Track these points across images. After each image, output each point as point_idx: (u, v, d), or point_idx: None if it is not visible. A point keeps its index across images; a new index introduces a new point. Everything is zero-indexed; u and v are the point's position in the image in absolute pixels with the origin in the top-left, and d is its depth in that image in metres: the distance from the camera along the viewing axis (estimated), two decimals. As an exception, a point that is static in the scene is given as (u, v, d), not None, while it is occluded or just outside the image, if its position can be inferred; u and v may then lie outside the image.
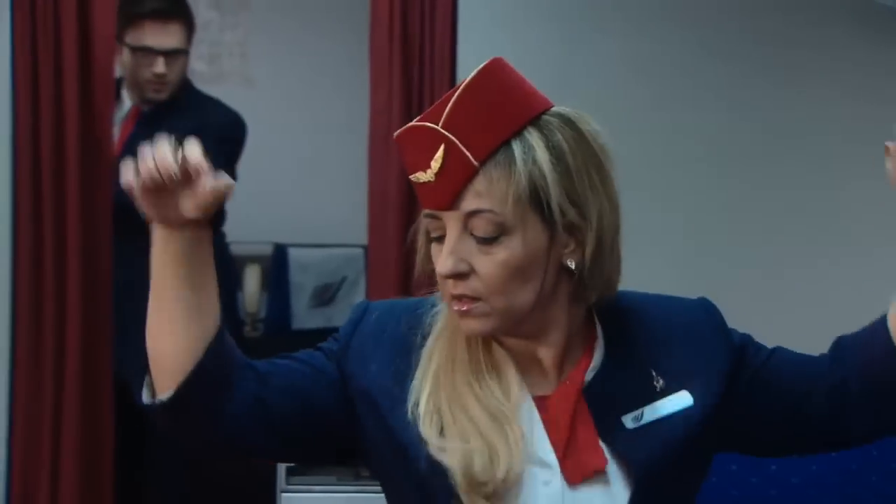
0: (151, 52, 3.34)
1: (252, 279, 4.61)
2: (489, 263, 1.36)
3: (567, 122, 1.38)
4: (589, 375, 1.43)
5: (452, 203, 1.36)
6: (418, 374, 1.41)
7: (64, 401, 3.33)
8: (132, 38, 3.34)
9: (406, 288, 3.42)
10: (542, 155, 1.35)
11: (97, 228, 3.33)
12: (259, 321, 4.64)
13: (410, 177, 1.40)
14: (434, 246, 1.40)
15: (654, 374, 1.43)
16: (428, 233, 1.42)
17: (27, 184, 3.30)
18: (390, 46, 3.43)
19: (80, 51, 3.28)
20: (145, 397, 1.39)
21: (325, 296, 4.65)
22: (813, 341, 1.57)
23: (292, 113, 4.88)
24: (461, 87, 1.37)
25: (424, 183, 1.37)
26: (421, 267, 1.44)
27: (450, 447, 1.35)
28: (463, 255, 1.36)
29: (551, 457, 1.39)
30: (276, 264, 4.61)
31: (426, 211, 1.40)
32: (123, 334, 3.25)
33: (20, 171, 3.31)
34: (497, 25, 3.48)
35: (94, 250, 3.33)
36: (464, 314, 1.38)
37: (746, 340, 1.51)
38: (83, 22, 3.28)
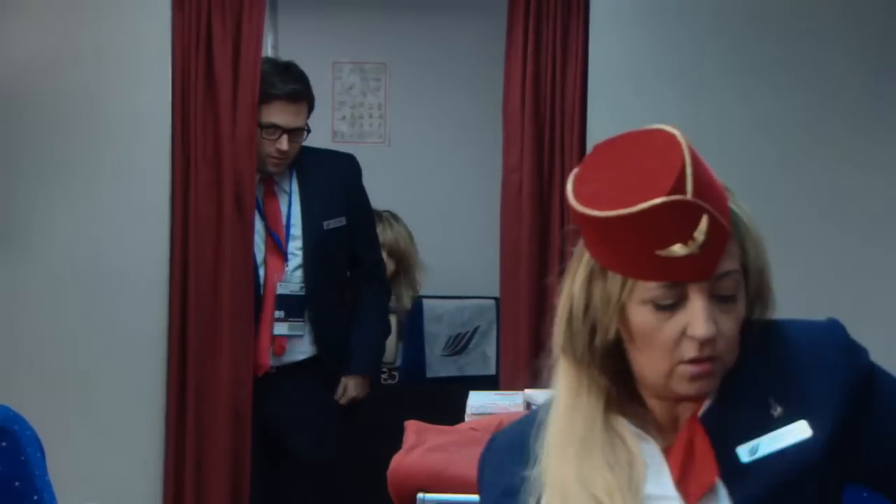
0: (278, 129, 3.48)
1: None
2: (730, 322, 1.39)
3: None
4: (704, 406, 1.44)
5: (714, 270, 1.37)
6: (536, 468, 1.43)
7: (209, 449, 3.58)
8: (262, 115, 3.50)
9: (536, 337, 3.55)
10: (749, 215, 1.42)
11: (243, 281, 3.55)
12: (395, 369, 4.77)
13: (659, 252, 1.35)
14: (658, 314, 1.39)
15: (771, 401, 1.44)
16: (651, 302, 1.39)
17: (180, 236, 3.58)
18: (522, 108, 3.57)
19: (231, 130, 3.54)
20: None
21: (458, 345, 4.77)
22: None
23: (427, 170, 5.03)
24: (688, 158, 1.36)
25: (683, 256, 1.34)
26: (610, 335, 1.42)
27: None
28: (713, 317, 1.38)
29: (671, 490, 1.43)
30: (412, 315, 4.73)
31: (664, 283, 1.37)
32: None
33: (176, 223, 3.59)
34: (625, 87, 3.58)
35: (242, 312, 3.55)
36: (703, 375, 1.40)
37: (874, 367, 1.51)
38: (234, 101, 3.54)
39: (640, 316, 1.39)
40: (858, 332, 3.84)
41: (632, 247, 1.35)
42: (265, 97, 3.49)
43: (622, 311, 1.40)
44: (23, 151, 3.58)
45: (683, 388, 1.40)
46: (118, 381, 3.58)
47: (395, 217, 4.10)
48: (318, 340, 3.55)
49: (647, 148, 1.39)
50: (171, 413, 3.58)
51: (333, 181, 3.59)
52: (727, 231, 1.37)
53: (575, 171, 1.43)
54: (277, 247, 3.54)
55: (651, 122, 1.45)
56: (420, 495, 2.36)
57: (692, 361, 1.38)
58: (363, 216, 3.65)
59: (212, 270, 3.56)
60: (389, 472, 2.40)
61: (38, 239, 3.58)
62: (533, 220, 3.56)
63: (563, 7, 3.57)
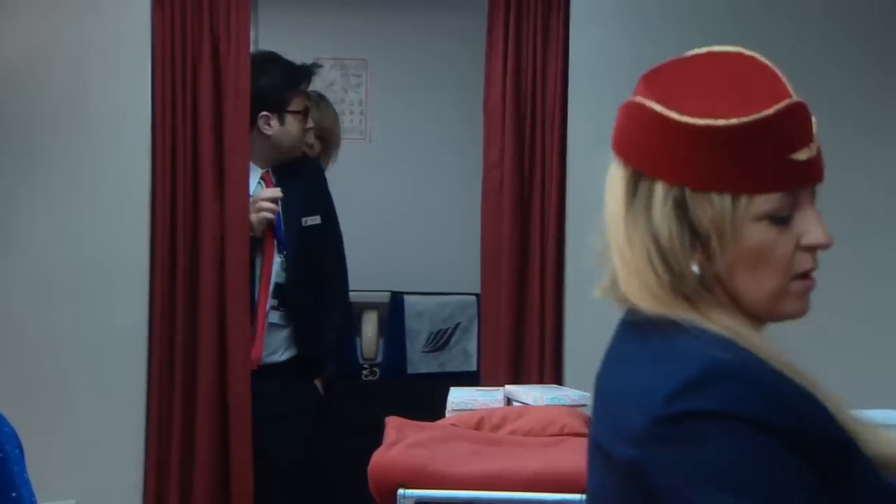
0: (307, 117, 3.63)
1: (370, 325, 4.77)
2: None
3: None
4: None
5: (824, 171, 1.33)
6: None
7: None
8: (297, 104, 3.60)
9: (517, 333, 3.56)
10: None
11: (236, 283, 3.54)
12: (376, 366, 4.79)
13: (791, 156, 1.28)
14: (775, 228, 1.30)
15: None
16: (767, 217, 1.29)
17: (167, 238, 3.56)
18: (503, 105, 3.59)
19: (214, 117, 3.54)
20: None
21: (439, 342, 4.79)
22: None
23: (408, 167, 5.04)
24: (766, 61, 1.34)
25: (806, 160, 1.30)
26: (725, 261, 1.30)
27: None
28: None
29: None
30: (393, 311, 4.76)
31: (784, 192, 1.29)
32: None
33: (159, 226, 3.57)
34: (605, 85, 3.57)
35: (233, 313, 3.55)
36: (810, 290, 1.35)
37: None
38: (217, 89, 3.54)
39: (757, 233, 1.29)
40: (855, 331, 3.85)
41: (759, 156, 1.27)
42: (295, 91, 3.60)
43: (735, 233, 1.28)
44: (3, 149, 3.57)
45: (793, 306, 1.34)
46: (99, 379, 3.58)
47: (322, 97, 4.14)
48: (297, 337, 3.57)
49: (725, 64, 1.34)
50: (152, 410, 3.57)
51: (308, 181, 3.66)
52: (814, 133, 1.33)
53: (640, 99, 1.33)
54: (273, 242, 3.57)
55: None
56: (401, 491, 2.37)
57: (805, 275, 1.33)
58: (330, 221, 3.71)
59: (191, 269, 3.55)
60: (370, 468, 2.40)
61: (18, 236, 3.57)
62: (514, 216, 3.57)
63: (543, 5, 3.59)
